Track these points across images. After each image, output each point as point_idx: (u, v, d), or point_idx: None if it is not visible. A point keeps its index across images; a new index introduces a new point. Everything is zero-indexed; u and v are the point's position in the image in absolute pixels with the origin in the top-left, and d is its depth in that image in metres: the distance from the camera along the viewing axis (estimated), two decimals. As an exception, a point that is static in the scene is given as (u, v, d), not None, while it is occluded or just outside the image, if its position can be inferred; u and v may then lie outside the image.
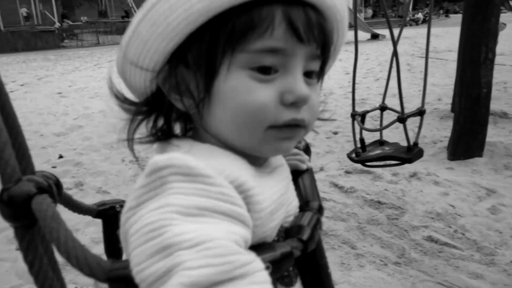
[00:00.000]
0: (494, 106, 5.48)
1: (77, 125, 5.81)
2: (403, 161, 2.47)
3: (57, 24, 23.73)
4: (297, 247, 0.55)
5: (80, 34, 25.72)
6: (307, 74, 0.57)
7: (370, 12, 35.54)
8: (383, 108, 2.87)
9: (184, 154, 0.46)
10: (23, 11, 24.66)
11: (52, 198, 0.48)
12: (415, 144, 2.50)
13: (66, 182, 3.77)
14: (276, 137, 0.55)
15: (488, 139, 4.02)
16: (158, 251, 0.37)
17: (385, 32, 22.81)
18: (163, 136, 0.60)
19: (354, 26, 2.74)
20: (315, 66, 0.58)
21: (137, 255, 0.38)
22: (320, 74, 0.61)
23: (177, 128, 0.62)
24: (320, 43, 0.56)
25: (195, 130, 0.61)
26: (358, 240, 2.71)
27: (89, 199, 3.44)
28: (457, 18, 34.60)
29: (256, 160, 0.59)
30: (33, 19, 24.44)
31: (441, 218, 2.88)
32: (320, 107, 0.62)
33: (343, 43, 0.67)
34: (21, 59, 16.09)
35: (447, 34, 18.62)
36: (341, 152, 4.37)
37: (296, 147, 0.79)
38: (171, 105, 0.58)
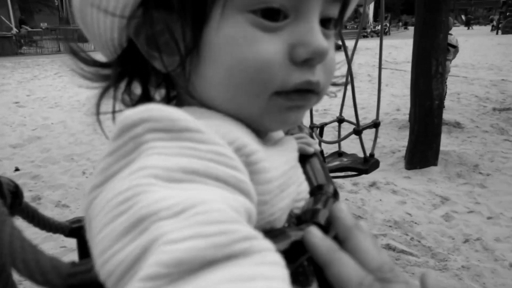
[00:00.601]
0: (448, 116, 5.75)
1: (35, 136, 5.63)
2: (360, 172, 2.55)
3: (15, 30, 22.94)
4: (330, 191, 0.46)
5: (39, 41, 24.96)
6: (324, 23, 0.44)
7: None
8: (340, 120, 2.96)
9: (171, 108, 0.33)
10: None
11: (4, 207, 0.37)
12: (371, 155, 2.60)
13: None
14: (283, 106, 0.43)
15: (442, 148, 4.20)
16: (130, 228, 0.25)
17: (347, 43, 23.43)
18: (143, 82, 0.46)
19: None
20: (334, 11, 0.45)
21: (102, 240, 0.26)
22: (338, 22, 0.47)
23: (158, 97, 0.48)
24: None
25: (179, 97, 0.47)
26: (319, 250, 2.77)
27: (47, 213, 3.33)
28: (415, 30, 36.17)
29: (256, 133, 0.45)
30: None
31: (399, 226, 2.98)
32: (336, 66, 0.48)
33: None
34: (-25, 67, 15.44)
35: (406, 45, 19.32)
36: (303, 162, 4.45)
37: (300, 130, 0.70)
38: (147, 65, 0.44)
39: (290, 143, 0.51)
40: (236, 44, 0.39)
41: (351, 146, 4.35)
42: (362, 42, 27.13)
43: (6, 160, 4.60)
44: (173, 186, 0.28)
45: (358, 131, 2.45)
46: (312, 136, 0.72)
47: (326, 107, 7.23)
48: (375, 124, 2.56)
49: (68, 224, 0.67)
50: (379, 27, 33.09)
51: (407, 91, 8.08)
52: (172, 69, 0.42)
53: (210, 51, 0.41)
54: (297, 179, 0.49)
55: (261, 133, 0.47)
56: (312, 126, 2.75)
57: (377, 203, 3.40)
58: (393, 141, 5.02)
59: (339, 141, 2.73)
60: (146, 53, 0.43)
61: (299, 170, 0.52)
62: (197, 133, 0.32)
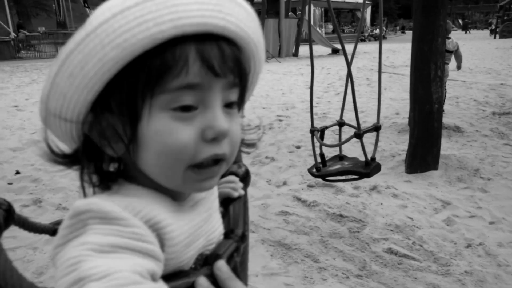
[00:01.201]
0: (448, 120, 5.76)
1: (34, 140, 5.61)
2: (362, 175, 2.55)
3: (13, 35, 22.91)
4: (207, 271, 0.58)
5: (37, 45, 24.94)
6: (228, 105, 0.58)
7: (330, 27, 36.51)
8: (341, 124, 2.96)
9: (103, 199, 0.53)
10: None
11: None
12: (373, 159, 2.60)
13: (23, 199, 3.64)
14: (196, 179, 0.56)
15: (442, 152, 4.21)
16: (74, 283, 0.43)
17: (346, 47, 23.48)
18: (100, 182, 0.58)
19: (309, 40, 2.82)
20: (234, 96, 0.58)
21: (60, 286, 0.44)
22: (240, 103, 0.61)
23: (112, 168, 0.60)
24: (237, 73, 0.56)
25: (126, 169, 0.59)
26: (321, 254, 2.76)
27: (48, 215, 3.33)
28: (413, 34, 36.31)
29: (181, 195, 0.61)
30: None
31: (400, 230, 2.98)
32: (241, 136, 0.62)
33: (261, 70, 0.69)
34: (-27, 71, 15.40)
35: (404, 49, 19.39)
36: (303, 166, 4.44)
37: (236, 173, 0.85)
38: (101, 151, 0.56)
39: (206, 204, 0.66)
40: (161, 134, 0.53)
41: (351, 149, 4.35)
42: (360, 46, 27.10)
43: (6, 164, 4.58)
44: (102, 256, 0.45)
45: (359, 135, 2.45)
46: (243, 178, 0.85)
47: (325, 111, 7.24)
48: (376, 128, 2.56)
49: (52, 226, 0.79)
50: (376, 31, 33.28)
51: (405, 95, 8.12)
52: (120, 154, 0.56)
53: (144, 140, 0.54)
54: (206, 232, 0.64)
55: (185, 194, 0.62)
56: (313, 130, 2.75)
57: (378, 207, 3.40)
58: (393, 144, 5.03)
59: (339, 144, 2.73)
60: (99, 143, 0.56)
61: (211, 223, 0.66)
62: (122, 220, 0.49)
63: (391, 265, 2.58)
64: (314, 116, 6.78)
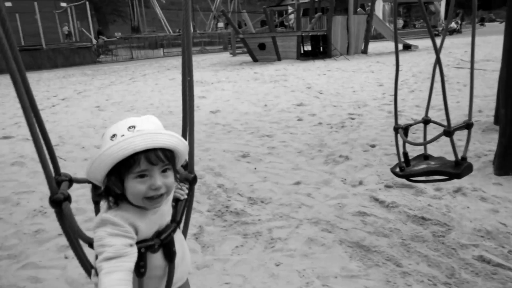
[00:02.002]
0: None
1: (115, 138, 5.94)
2: (451, 176, 2.38)
3: (94, 41, 24.55)
4: (157, 242, 1.23)
5: (114, 50, 26.51)
6: (164, 171, 1.19)
7: (401, 22, 35.08)
8: (426, 121, 2.79)
9: (110, 213, 1.19)
10: (65, 29, 25.70)
11: (68, 200, 1.27)
12: (464, 158, 2.42)
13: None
14: (150, 204, 1.20)
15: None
16: (99, 246, 1.12)
17: (416, 42, 22.44)
18: (111, 202, 1.22)
19: (394, 38, 2.68)
20: (167, 167, 1.20)
21: (96, 244, 1.13)
22: (173, 169, 1.24)
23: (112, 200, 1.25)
24: (166, 162, 1.19)
25: (124, 196, 1.21)
26: (403, 257, 2.62)
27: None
28: (493, 26, 33.73)
29: (152, 205, 1.22)
30: (72, 37, 25.44)
31: (492, 237, 2.75)
32: (174, 182, 1.24)
33: (183, 158, 1.31)
34: (61, 75, 16.70)
35: (484, 43, 18.12)
36: (379, 166, 4.28)
37: (187, 178, 1.45)
38: (112, 189, 1.20)
39: (160, 211, 1.27)
40: (132, 188, 1.16)
41: (431, 149, 4.11)
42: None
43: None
44: (110, 237, 1.13)
45: (449, 132, 2.29)
46: (191, 182, 1.48)
47: (399, 108, 6.91)
48: (468, 125, 2.38)
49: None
50: (450, 25, 31.37)
51: (488, 91, 7.57)
52: (119, 192, 1.19)
53: (127, 188, 1.17)
54: (160, 222, 1.27)
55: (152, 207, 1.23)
56: (397, 127, 2.61)
57: (464, 211, 3.17)
58: (477, 144, 4.68)
59: (426, 142, 2.57)
60: (112, 186, 1.19)
61: (163, 218, 1.29)
62: (118, 224, 1.15)
63: (484, 274, 2.38)
64: (388, 114, 6.58)
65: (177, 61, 21.24)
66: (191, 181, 1.45)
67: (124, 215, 1.17)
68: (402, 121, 4.42)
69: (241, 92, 9.79)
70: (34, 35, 21.98)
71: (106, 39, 27.66)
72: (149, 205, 1.19)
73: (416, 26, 38.39)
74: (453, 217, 3.08)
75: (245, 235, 2.99)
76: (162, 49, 27.63)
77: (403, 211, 3.24)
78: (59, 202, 1.24)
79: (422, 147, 2.84)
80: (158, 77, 14.09)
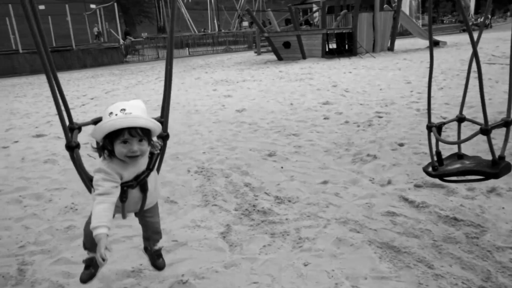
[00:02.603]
0: None
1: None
2: (489, 176, 2.30)
3: (121, 41, 25.00)
4: (135, 183, 1.94)
5: (141, 50, 26.93)
6: (140, 140, 1.81)
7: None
8: (461, 119, 2.70)
9: (104, 163, 1.87)
10: (95, 30, 26.34)
11: (78, 147, 1.92)
12: (501, 157, 2.33)
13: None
14: (129, 160, 1.84)
15: None
16: (95, 184, 1.85)
17: (444, 38, 21.90)
18: (106, 155, 1.87)
19: (429, 34, 2.61)
20: (142, 139, 1.82)
21: (94, 183, 1.86)
22: (148, 140, 1.87)
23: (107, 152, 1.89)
24: (142, 135, 1.81)
25: (113, 152, 1.83)
26: (435, 259, 2.55)
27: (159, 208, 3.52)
28: (526, 21, 32.47)
29: (131, 161, 1.85)
30: (102, 37, 26.01)
31: (530, 239, 2.65)
32: (147, 148, 1.89)
33: (157, 133, 1.92)
34: (90, 75, 17.09)
35: (517, 39, 17.50)
36: (408, 165, 4.19)
37: (161, 135, 2.03)
38: (106, 147, 1.84)
39: (138, 163, 1.92)
40: (118, 148, 1.81)
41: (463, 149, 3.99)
42: (463, 37, 25.19)
43: (120, 159, 4.97)
44: (103, 180, 1.84)
45: (486, 130, 2.21)
46: (164, 138, 2.09)
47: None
48: (506, 123, 2.28)
49: (92, 121, 2.08)
50: (481, 20, 30.46)
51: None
52: (111, 150, 1.85)
53: (115, 149, 1.82)
54: (136, 169, 1.93)
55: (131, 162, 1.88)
56: (430, 125, 2.54)
57: (499, 212, 3.07)
58: (512, 143, 4.52)
59: (461, 141, 2.48)
60: (106, 145, 1.86)
61: (139, 167, 1.94)
62: (109, 172, 1.84)
63: (522, 277, 2.29)
64: (416, 112, 6.44)
65: (203, 61, 21.41)
66: (164, 138, 2.09)
67: (113, 167, 1.85)
68: (431, 119, 4.29)
69: (267, 90, 9.77)
70: (65, 37, 22.61)
71: (133, 39, 28.10)
72: (129, 161, 1.85)
73: (444, 21, 37.48)
74: (488, 218, 2.98)
75: (273, 234, 2.98)
76: (187, 48, 27.90)
77: (434, 211, 3.16)
78: (72, 148, 1.89)
79: (451, 146, 2.76)
80: (184, 76, 14.23)
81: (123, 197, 1.91)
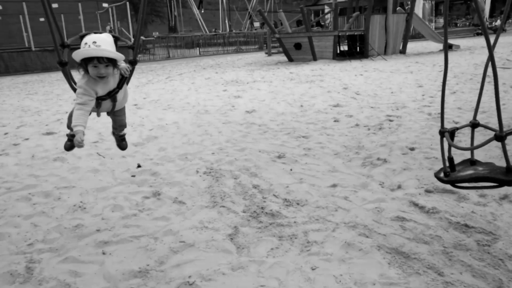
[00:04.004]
0: None
1: (152, 136, 6.04)
2: (503, 183, 2.25)
3: (132, 40, 25.12)
4: (107, 97, 2.76)
5: (152, 49, 27.04)
6: (106, 66, 2.52)
7: (441, 21, 33.98)
8: (474, 124, 2.65)
9: (83, 80, 2.58)
10: (107, 28, 26.56)
11: (67, 64, 2.67)
12: (515, 165, 2.27)
13: (145, 191, 3.91)
14: (100, 80, 2.59)
15: None
16: (77, 96, 2.59)
17: (457, 42, 21.68)
18: (83, 72, 2.58)
19: (444, 37, 2.57)
20: (108, 65, 2.53)
21: (76, 94, 2.61)
22: (113, 65, 2.58)
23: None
24: (108, 62, 2.52)
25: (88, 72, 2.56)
26: (445, 266, 2.51)
27: (166, 208, 3.53)
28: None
29: (102, 79, 2.60)
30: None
31: (543, 248, 2.60)
32: (112, 70, 2.60)
33: (121, 60, 2.63)
34: (100, 73, 17.17)
35: (531, 43, 17.27)
36: (419, 170, 4.14)
37: (130, 61, 2.81)
38: (83, 67, 2.55)
39: (109, 81, 2.69)
40: (91, 70, 2.55)
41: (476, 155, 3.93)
42: (477, 40, 24.91)
43: (130, 157, 4.99)
44: (82, 94, 2.58)
45: (501, 137, 2.16)
46: (132, 63, 2.87)
47: (440, 111, 6.69)
48: (521, 130, 2.23)
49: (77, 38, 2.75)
50: (495, 23, 30.10)
51: (539, 94, 7.19)
52: (87, 70, 2.57)
53: (89, 70, 2.55)
54: (108, 87, 2.71)
55: (103, 79, 2.62)
56: (443, 131, 2.50)
57: (512, 219, 3.01)
58: (525, 149, 4.45)
59: (475, 147, 2.43)
60: (83, 65, 2.58)
61: (112, 83, 2.73)
62: (85, 87, 2.57)
63: (535, 287, 2.24)
64: (428, 117, 6.37)
65: (213, 61, 21.44)
66: (133, 63, 2.81)
67: (89, 84, 2.55)
68: (445, 124, 4.24)
69: (277, 92, 9.74)
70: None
71: (144, 38, 28.22)
72: (99, 80, 2.56)
73: (458, 25, 37.12)
74: (500, 226, 2.93)
75: (281, 237, 2.96)
76: (198, 48, 27.96)
77: (444, 217, 3.11)
78: (63, 64, 2.59)
79: (462, 152, 2.71)
80: (194, 76, 14.26)
81: (98, 105, 2.73)
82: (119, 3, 25.24)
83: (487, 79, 9.44)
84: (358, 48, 18.84)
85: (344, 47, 19.70)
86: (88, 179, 4.32)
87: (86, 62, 2.49)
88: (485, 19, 30.31)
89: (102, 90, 2.65)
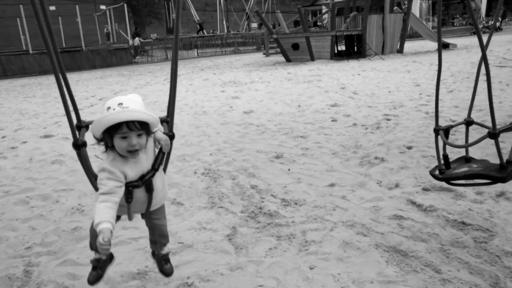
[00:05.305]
0: None
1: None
2: (496, 180, 2.27)
3: (131, 42, 25.14)
4: (140, 183, 1.89)
5: (150, 51, 27.06)
6: (139, 135, 1.80)
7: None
8: (469, 122, 2.67)
9: (108, 160, 1.84)
10: (105, 30, 26.59)
11: (85, 145, 1.95)
12: (509, 161, 2.30)
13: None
14: (130, 155, 1.82)
15: None
16: (99, 183, 1.81)
17: (454, 41, 21.69)
18: (106, 148, 1.87)
19: (438, 36, 2.58)
20: (141, 133, 1.80)
21: (98, 182, 1.83)
22: (147, 133, 1.85)
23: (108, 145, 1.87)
24: (141, 129, 1.79)
25: (114, 147, 1.83)
26: (442, 264, 2.52)
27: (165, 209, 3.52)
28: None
29: (132, 156, 1.84)
30: (111, 38, 26.21)
31: (539, 244, 2.61)
32: (145, 141, 1.85)
33: (155, 126, 1.89)
34: (99, 75, 17.20)
35: (528, 41, 17.31)
36: (416, 168, 4.15)
37: (167, 135, 2.00)
38: (107, 142, 1.84)
39: (141, 159, 1.90)
40: (118, 143, 1.80)
41: (471, 152, 3.95)
42: (474, 39, 24.93)
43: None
44: (107, 179, 1.80)
45: (494, 134, 2.18)
46: (171, 137, 2.05)
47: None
48: (515, 127, 2.25)
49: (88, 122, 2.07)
50: (492, 22, 30.16)
51: (536, 91, 7.20)
52: (112, 145, 1.85)
53: (115, 144, 1.82)
54: (142, 169, 1.91)
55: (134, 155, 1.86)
56: (438, 129, 2.52)
57: (508, 216, 3.03)
58: (522, 146, 4.46)
59: (469, 145, 2.44)
60: (106, 140, 1.85)
61: (144, 165, 1.91)
62: (111, 171, 1.81)
63: (531, 283, 2.25)
64: (425, 115, 6.38)
65: (211, 62, 21.45)
66: (170, 137, 2.03)
67: (116, 165, 1.83)
68: (440, 122, 4.25)
69: (275, 92, 9.76)
70: (75, 37, 22.78)
71: (142, 40, 28.24)
72: (130, 156, 1.84)
73: (455, 24, 37.17)
74: (496, 223, 2.94)
75: (279, 237, 2.97)
76: (196, 49, 27.98)
77: (441, 215, 3.12)
78: (79, 146, 1.93)
79: (460, 150, 2.73)
80: (192, 77, 14.27)
81: (128, 197, 1.89)
82: (117, 5, 25.24)
83: (482, 77, 9.47)
84: (355, 48, 18.86)
85: (342, 47, 19.73)
86: (86, 181, 4.29)
87: (110, 134, 1.79)
88: (481, 18, 30.39)
89: (132, 172, 1.86)
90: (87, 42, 22.93)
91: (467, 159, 2.64)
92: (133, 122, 1.75)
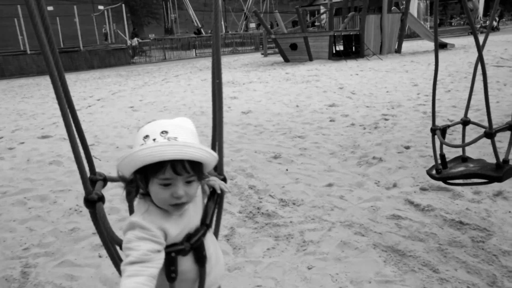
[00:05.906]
0: None
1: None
2: (492, 179, 2.27)
3: (129, 42, 25.12)
4: (187, 246, 1.22)
5: (148, 51, 27.03)
6: (188, 182, 1.19)
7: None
8: (465, 122, 2.68)
9: (140, 212, 1.21)
10: (103, 31, 26.61)
11: (102, 200, 1.34)
12: (506, 161, 2.30)
13: (140, 194, 3.90)
14: (174, 209, 1.20)
15: None
16: (126, 249, 1.13)
17: (452, 40, 21.74)
18: (138, 194, 1.25)
19: (434, 36, 2.59)
20: (191, 179, 1.19)
21: (124, 246, 1.15)
22: (199, 178, 1.23)
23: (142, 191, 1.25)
24: (191, 172, 1.18)
25: (149, 195, 1.22)
26: (440, 263, 2.53)
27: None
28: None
29: (175, 210, 1.22)
30: (109, 38, 26.21)
31: (537, 244, 2.62)
32: (196, 191, 1.23)
33: (211, 167, 1.29)
34: (97, 76, 17.18)
35: (525, 41, 17.36)
36: (414, 168, 4.16)
37: (222, 179, 1.49)
38: (138, 186, 1.23)
39: (186, 213, 1.26)
40: (156, 192, 1.17)
41: (468, 152, 3.95)
42: (472, 39, 24.96)
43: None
44: (138, 240, 1.14)
45: (490, 134, 2.18)
46: (224, 180, 1.51)
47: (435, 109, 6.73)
48: (511, 126, 2.26)
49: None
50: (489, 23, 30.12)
51: (533, 91, 7.23)
52: (146, 192, 1.21)
53: (151, 191, 1.18)
54: (187, 226, 1.26)
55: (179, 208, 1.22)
56: (434, 128, 2.52)
57: (506, 215, 3.03)
58: (519, 146, 4.47)
59: (466, 144, 2.45)
60: (137, 182, 1.21)
61: (191, 221, 1.27)
62: (146, 228, 1.16)
63: (528, 283, 2.26)
64: (423, 115, 6.39)
65: (209, 62, 21.42)
66: (223, 180, 1.48)
67: (152, 219, 1.18)
68: (438, 122, 4.25)
69: (273, 92, 9.76)
70: (73, 37, 22.76)
71: (140, 40, 28.22)
72: (172, 210, 1.20)
73: (453, 24, 37.25)
74: (494, 222, 2.94)
75: (277, 237, 2.97)
76: (194, 50, 27.97)
77: (439, 214, 3.13)
78: (93, 202, 1.30)
79: (458, 149, 2.74)
80: (191, 77, 14.27)
81: (171, 271, 1.21)
82: (115, 5, 25.23)
83: (480, 77, 9.48)
84: (353, 48, 18.88)
85: (340, 47, 19.74)
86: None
87: (145, 175, 1.18)
88: (479, 18, 30.45)
89: (176, 229, 1.23)
90: (85, 42, 22.91)
91: (464, 159, 2.65)
92: (181, 162, 1.14)
